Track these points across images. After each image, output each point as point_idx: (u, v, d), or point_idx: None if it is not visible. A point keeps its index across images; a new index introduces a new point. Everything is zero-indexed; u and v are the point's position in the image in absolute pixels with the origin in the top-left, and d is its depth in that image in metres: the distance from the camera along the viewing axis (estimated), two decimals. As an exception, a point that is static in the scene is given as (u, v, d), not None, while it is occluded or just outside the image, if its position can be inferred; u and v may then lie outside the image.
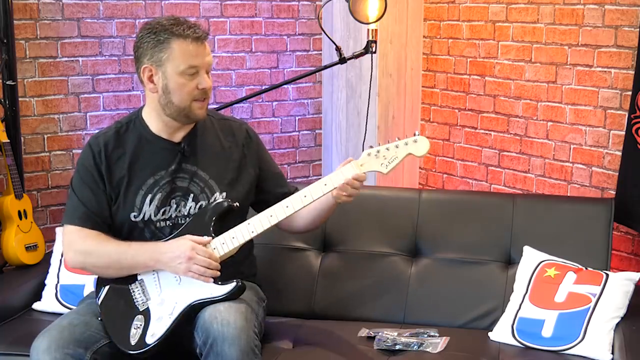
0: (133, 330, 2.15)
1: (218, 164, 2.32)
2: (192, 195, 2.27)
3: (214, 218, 2.23)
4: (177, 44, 2.16)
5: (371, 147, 2.26)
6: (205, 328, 2.10)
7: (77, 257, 2.26)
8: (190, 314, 2.15)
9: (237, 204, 2.27)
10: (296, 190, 2.34)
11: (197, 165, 2.29)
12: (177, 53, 2.16)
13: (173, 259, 2.16)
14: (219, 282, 2.16)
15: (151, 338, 2.14)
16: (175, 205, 2.27)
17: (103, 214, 2.26)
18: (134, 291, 2.21)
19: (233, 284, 2.16)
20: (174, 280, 2.19)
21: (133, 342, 2.14)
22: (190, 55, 2.17)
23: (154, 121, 2.30)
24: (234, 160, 2.34)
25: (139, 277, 2.22)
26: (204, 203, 2.27)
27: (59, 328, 2.13)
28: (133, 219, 2.25)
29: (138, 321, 2.17)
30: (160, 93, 2.21)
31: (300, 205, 2.22)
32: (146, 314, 2.18)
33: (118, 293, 2.22)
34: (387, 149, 2.23)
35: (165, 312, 2.16)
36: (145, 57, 2.20)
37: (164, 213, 2.26)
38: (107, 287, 2.25)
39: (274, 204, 2.25)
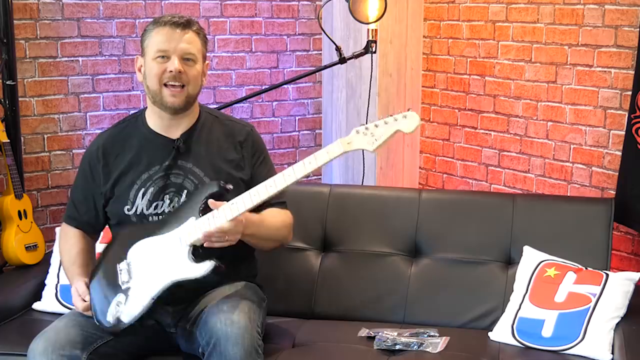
0: (113, 308, 2.16)
1: (214, 162, 2.32)
2: (185, 191, 2.28)
3: (203, 200, 2.19)
4: (155, 31, 2.25)
5: (362, 124, 2.16)
6: (208, 328, 2.10)
7: (59, 252, 2.45)
8: (167, 295, 2.16)
9: (231, 186, 2.22)
10: (285, 203, 2.40)
11: (193, 162, 2.30)
12: (153, 39, 2.25)
13: None
14: (196, 261, 2.15)
15: (127, 317, 2.14)
16: (168, 201, 2.29)
17: (89, 215, 2.38)
18: (121, 270, 2.21)
19: (209, 264, 2.13)
20: (156, 262, 2.18)
21: (111, 319, 2.15)
22: (162, 40, 2.23)
23: (152, 118, 2.35)
24: (230, 160, 2.34)
25: (127, 258, 2.21)
26: None
27: (55, 330, 2.14)
28: (126, 212, 2.29)
29: (119, 299, 2.17)
30: (143, 80, 2.30)
31: (302, 172, 2.15)
32: (126, 293, 2.18)
33: (107, 271, 2.23)
34: (376, 125, 2.11)
35: (143, 293, 2.16)
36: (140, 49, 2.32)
37: (156, 207, 2.28)
38: (99, 268, 2.26)
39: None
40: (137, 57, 2.33)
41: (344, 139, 2.12)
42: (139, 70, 2.32)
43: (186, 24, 2.25)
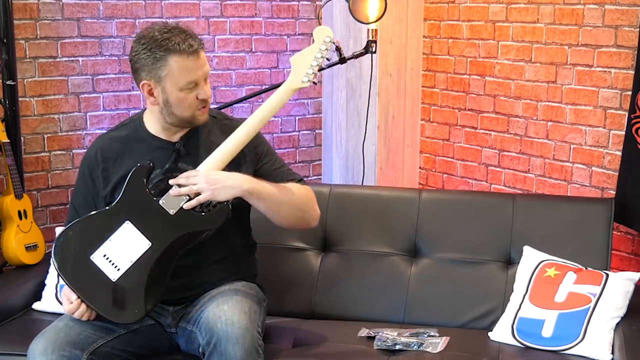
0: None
1: None
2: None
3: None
4: (174, 61, 2.18)
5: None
6: (209, 328, 2.10)
7: None
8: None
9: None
10: (301, 180, 2.40)
11: (193, 165, 2.28)
12: (176, 70, 2.18)
13: None
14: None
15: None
16: None
17: None
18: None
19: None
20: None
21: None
22: (189, 70, 2.19)
23: (154, 123, 2.33)
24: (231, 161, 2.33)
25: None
26: None
27: (55, 330, 2.14)
28: None
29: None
30: (162, 106, 2.25)
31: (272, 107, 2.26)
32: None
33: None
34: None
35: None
36: (143, 72, 2.21)
37: None
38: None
39: None
40: (144, 83, 2.21)
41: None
42: (150, 94, 2.24)
43: (198, 46, 2.21)
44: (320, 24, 3.28)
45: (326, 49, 2.27)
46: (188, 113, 2.24)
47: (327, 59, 2.33)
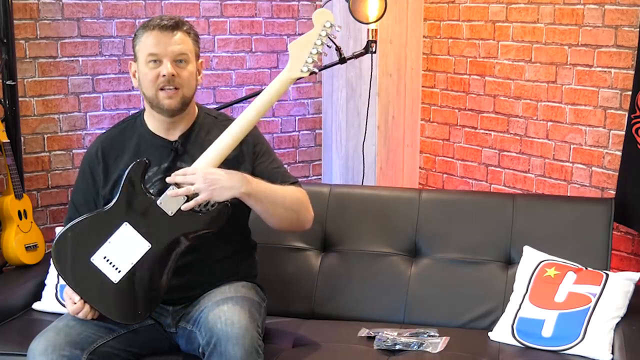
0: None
1: None
2: None
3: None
4: (145, 36, 2.24)
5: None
6: (209, 328, 2.10)
7: None
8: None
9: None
10: (296, 183, 2.39)
11: (192, 164, 2.28)
12: (143, 44, 2.24)
13: None
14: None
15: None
16: None
17: None
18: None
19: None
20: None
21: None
22: (152, 44, 2.22)
23: (151, 120, 2.35)
24: (229, 160, 2.32)
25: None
26: None
27: (55, 330, 2.14)
28: None
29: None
30: (139, 86, 2.29)
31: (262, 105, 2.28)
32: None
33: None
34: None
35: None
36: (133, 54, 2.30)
37: None
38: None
39: None
40: (130, 62, 2.32)
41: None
42: (134, 75, 2.31)
43: (175, 26, 2.23)
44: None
45: (326, 35, 2.19)
46: (151, 92, 2.24)
47: (328, 47, 2.25)
